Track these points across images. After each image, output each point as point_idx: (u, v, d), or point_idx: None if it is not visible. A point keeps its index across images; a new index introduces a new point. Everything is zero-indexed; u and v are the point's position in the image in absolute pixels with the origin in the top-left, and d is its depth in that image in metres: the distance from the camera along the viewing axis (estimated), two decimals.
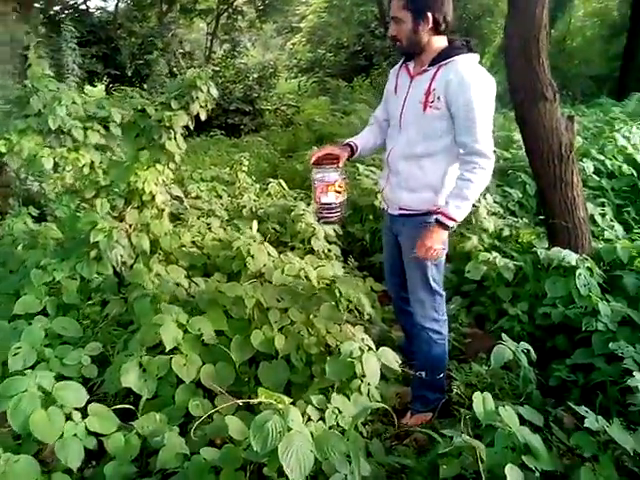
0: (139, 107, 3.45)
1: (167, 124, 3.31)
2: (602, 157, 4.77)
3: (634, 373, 2.08)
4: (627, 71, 13.44)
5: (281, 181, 5.35)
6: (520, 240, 3.56)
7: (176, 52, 15.87)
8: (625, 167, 4.70)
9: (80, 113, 3.26)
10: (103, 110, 3.37)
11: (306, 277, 2.99)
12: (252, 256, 3.34)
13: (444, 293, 2.54)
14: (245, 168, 5.98)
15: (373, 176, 4.94)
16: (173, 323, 2.35)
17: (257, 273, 3.32)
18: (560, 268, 2.98)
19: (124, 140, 3.46)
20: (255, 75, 15.37)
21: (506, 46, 3.30)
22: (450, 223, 2.24)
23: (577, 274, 2.83)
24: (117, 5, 16.51)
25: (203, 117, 3.58)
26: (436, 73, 2.22)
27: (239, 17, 19.34)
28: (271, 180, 5.40)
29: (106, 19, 15.73)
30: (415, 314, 2.54)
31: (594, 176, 4.57)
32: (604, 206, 4.17)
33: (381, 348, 2.32)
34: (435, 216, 2.27)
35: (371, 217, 4.78)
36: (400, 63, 2.50)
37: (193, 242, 3.82)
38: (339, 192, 2.38)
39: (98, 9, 16.64)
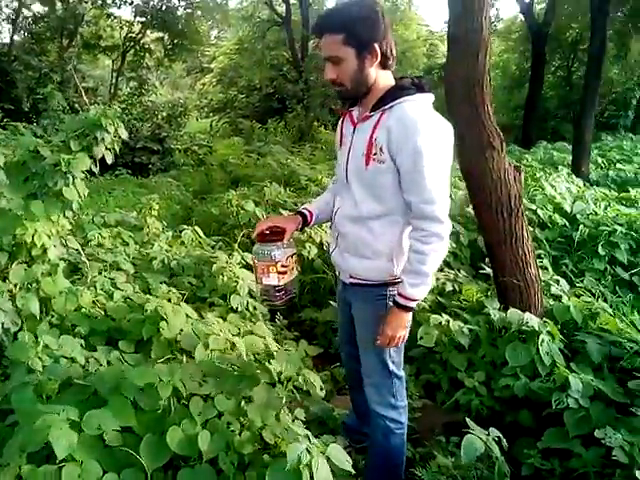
0: (31, 147, 2.92)
1: (64, 169, 2.80)
2: (534, 207, 4.66)
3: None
4: (530, 120, 14.19)
5: (197, 228, 4.85)
6: (465, 297, 3.27)
7: (78, 87, 15.00)
8: (557, 217, 4.61)
9: None
10: None
11: (232, 347, 2.52)
12: (166, 320, 2.87)
13: (404, 374, 2.15)
14: (155, 212, 5.44)
15: None
16: (64, 423, 1.80)
17: (172, 340, 2.84)
18: (515, 332, 2.71)
19: (9, 185, 2.89)
20: (164, 114, 14.82)
21: (447, 93, 3.04)
22: (410, 304, 1.90)
23: (540, 340, 2.55)
24: (12, 37, 15.51)
25: (109, 160, 3.11)
26: (379, 119, 1.83)
27: (146, 55, 18.77)
28: (185, 227, 4.88)
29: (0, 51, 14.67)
30: (369, 400, 2.14)
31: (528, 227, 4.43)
32: (541, 258, 4.01)
33: (330, 446, 1.87)
34: (392, 297, 1.93)
35: (299, 268, 4.37)
36: (346, 110, 2.07)
37: (94, 302, 3.24)
38: (283, 273, 1.99)
39: None
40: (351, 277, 2.07)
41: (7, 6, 16.22)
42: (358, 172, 1.91)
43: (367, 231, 1.93)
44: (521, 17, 17.17)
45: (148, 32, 18.80)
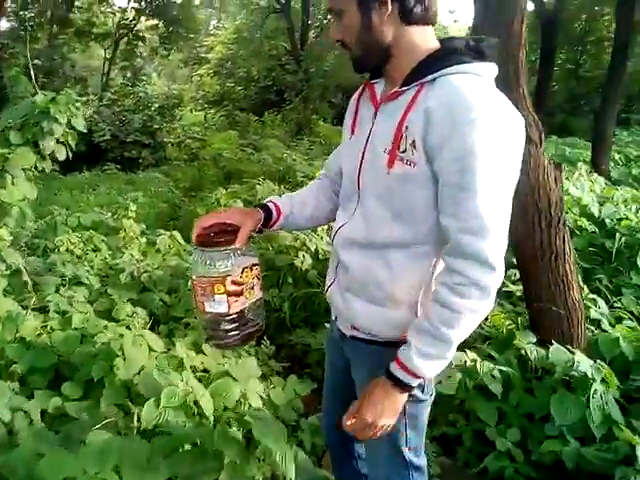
0: None
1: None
2: None
3: None
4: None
5: (175, 233, 4.25)
6: (492, 323, 2.66)
7: (68, 77, 14.41)
8: (584, 221, 3.99)
9: None
10: None
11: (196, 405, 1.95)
12: (123, 356, 2.34)
13: (424, 462, 1.49)
14: (132, 213, 4.87)
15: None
16: None
17: (130, 381, 2.29)
18: (559, 378, 2.13)
19: None
20: (157, 105, 14.20)
21: None
22: (412, 381, 1.22)
23: (592, 391, 1.98)
24: None
25: (61, 157, 2.58)
26: (415, 97, 1.18)
27: (140, 43, 18.17)
28: (162, 232, 4.30)
29: None
30: None
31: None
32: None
33: None
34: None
35: (290, 280, 3.80)
36: (362, 86, 1.39)
37: (44, 327, 2.68)
38: (236, 293, 1.26)
39: None
40: (353, 328, 1.41)
41: None
42: (376, 177, 1.27)
43: (383, 265, 1.29)
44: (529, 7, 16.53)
45: (142, 19, 18.24)
